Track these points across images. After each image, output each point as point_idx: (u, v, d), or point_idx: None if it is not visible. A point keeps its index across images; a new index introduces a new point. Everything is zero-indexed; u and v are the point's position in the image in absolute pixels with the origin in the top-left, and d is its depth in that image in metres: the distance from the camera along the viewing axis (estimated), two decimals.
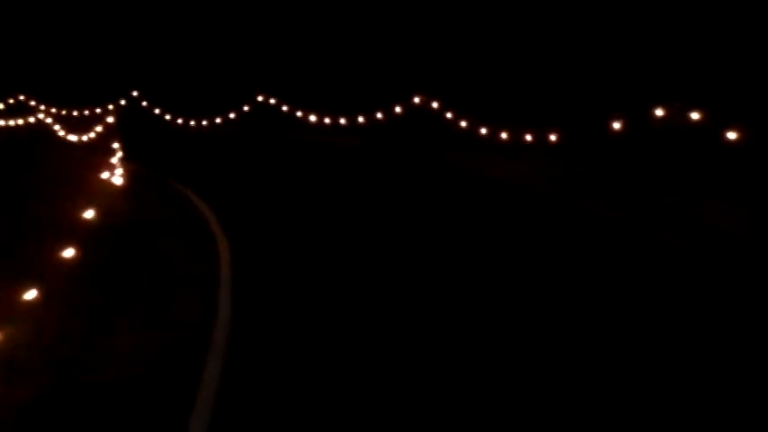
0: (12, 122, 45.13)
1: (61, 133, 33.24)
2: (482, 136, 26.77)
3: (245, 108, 39.04)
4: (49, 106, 46.75)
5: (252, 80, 39.77)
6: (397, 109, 31.15)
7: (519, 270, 13.21)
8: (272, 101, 38.07)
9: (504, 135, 25.92)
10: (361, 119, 32.63)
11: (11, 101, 49.39)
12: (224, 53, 43.03)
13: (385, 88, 32.49)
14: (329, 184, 22.96)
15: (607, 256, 14.01)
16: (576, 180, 21.07)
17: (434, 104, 29.80)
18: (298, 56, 39.28)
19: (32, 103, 47.77)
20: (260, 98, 38.69)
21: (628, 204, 18.04)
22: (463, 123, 27.91)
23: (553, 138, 24.15)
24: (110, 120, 32.03)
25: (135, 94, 44.39)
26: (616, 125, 21.95)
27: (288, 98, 37.24)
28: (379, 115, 31.87)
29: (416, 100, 30.54)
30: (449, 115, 28.86)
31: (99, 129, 30.18)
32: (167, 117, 41.76)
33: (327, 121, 34.36)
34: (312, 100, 35.92)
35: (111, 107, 40.68)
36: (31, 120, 41.42)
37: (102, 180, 20.49)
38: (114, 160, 23.70)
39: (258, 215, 18.73)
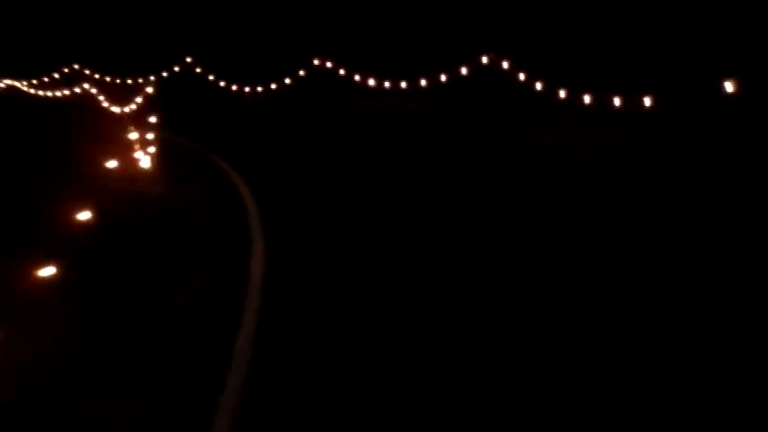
0: (59, 93, 43.06)
1: (105, 104, 30.56)
2: (560, 100, 23.30)
3: (301, 73, 35.88)
4: (102, 75, 44.83)
5: (307, 43, 36.67)
6: (463, 70, 27.73)
7: None
8: (329, 64, 34.87)
9: (586, 98, 22.46)
10: (423, 82, 29.24)
11: (66, 70, 47.53)
12: (278, 15, 39.84)
13: (449, 47, 29.10)
14: (387, 163, 19.64)
15: None
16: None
17: (505, 65, 26.39)
18: (355, 16, 35.85)
19: (87, 72, 45.89)
20: (316, 62, 35.34)
21: None
22: (538, 86, 24.50)
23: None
24: (149, 90, 28.96)
25: (188, 60, 41.85)
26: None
27: (345, 61, 34.03)
28: (442, 77, 28.49)
29: (484, 60, 27.02)
30: (522, 77, 25.44)
31: (139, 100, 27.16)
32: (221, 84, 39.16)
33: (387, 84, 31.04)
34: (370, 62, 32.61)
35: (152, 78, 38.46)
36: (78, 90, 39.03)
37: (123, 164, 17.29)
38: (150, 136, 20.59)
39: (312, 209, 15.30)
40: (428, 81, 28.98)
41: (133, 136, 19.31)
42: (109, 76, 43.51)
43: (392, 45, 32.75)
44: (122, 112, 27.31)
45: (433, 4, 31.94)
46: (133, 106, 27.19)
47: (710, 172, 15.62)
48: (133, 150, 17.99)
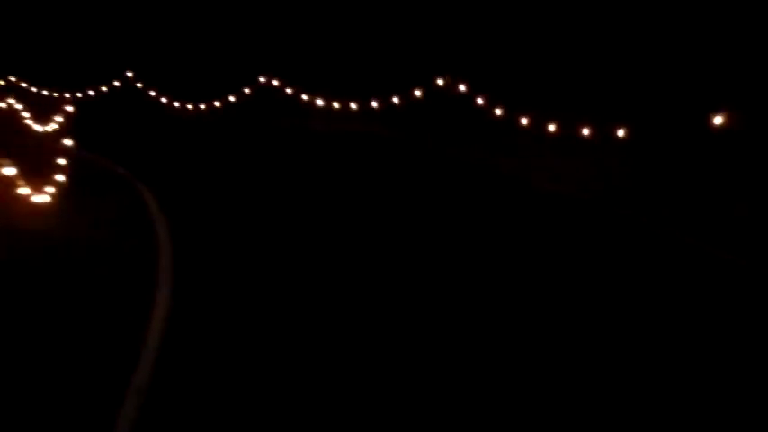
0: None
1: (29, 121, 27.71)
2: (522, 127, 20.81)
3: (246, 90, 33.18)
4: (38, 89, 42.24)
5: (254, 60, 33.99)
6: (417, 92, 25.20)
7: None
8: (275, 82, 32.22)
9: (551, 127, 19.99)
10: (374, 103, 26.66)
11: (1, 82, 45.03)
12: (225, 30, 37.23)
13: (403, 69, 26.68)
14: (338, 189, 17.37)
15: None
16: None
17: (462, 87, 23.85)
18: (305, 34, 33.25)
19: (23, 85, 43.26)
20: (262, 79, 32.65)
21: None
22: (498, 111, 22.02)
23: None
24: (68, 108, 26.04)
25: (129, 74, 39.07)
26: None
27: (293, 80, 31.46)
28: (395, 99, 25.94)
29: (440, 82, 24.54)
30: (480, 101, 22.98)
31: (59, 119, 24.30)
32: (163, 100, 36.38)
33: (336, 105, 28.46)
34: (320, 82, 30.07)
35: (74, 94, 35.75)
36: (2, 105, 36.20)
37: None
38: (61, 161, 17.78)
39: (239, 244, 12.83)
40: (380, 103, 26.41)
41: (9, 171, 15.95)
42: (44, 89, 40.40)
43: (343, 65, 30.39)
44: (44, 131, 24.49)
45: (385, 25, 29.46)
46: (54, 126, 24.36)
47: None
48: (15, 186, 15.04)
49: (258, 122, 30.35)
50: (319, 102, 29.52)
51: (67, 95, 36.25)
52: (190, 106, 34.85)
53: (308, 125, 28.50)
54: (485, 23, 25.21)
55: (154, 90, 37.17)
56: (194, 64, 36.58)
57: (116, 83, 38.70)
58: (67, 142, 19.78)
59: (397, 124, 25.09)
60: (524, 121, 20.85)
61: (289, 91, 31.28)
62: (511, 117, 21.23)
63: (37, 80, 42.00)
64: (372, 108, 26.70)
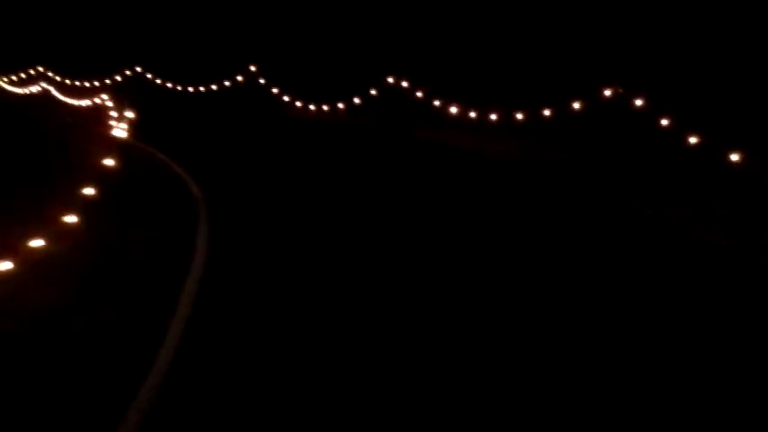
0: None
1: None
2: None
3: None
4: (63, 77, 44.86)
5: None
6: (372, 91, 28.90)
7: None
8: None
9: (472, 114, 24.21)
10: (341, 105, 30.28)
11: (31, 71, 47.43)
12: (222, 24, 38.36)
13: (361, 72, 29.64)
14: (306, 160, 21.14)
15: None
16: None
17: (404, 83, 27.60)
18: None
19: (50, 74, 45.89)
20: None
21: None
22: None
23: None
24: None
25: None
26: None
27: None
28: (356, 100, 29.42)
29: (390, 80, 28.29)
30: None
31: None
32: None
33: (312, 107, 31.64)
34: (299, 87, 32.56)
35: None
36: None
37: None
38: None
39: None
40: (345, 104, 29.90)
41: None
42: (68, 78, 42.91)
43: (315, 72, 32.44)
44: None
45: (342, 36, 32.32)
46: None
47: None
48: None
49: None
50: (298, 103, 31.86)
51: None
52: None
53: (290, 115, 31.17)
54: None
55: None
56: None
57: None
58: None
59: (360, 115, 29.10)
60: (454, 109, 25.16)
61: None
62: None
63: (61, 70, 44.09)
64: (339, 108, 30.22)
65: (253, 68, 35.93)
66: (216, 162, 20.34)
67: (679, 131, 17.35)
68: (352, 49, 31.53)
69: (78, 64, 43.62)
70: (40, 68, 45.92)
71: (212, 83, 37.77)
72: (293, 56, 34.77)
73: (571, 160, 18.75)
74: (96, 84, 41.50)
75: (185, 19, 40.88)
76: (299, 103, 32.52)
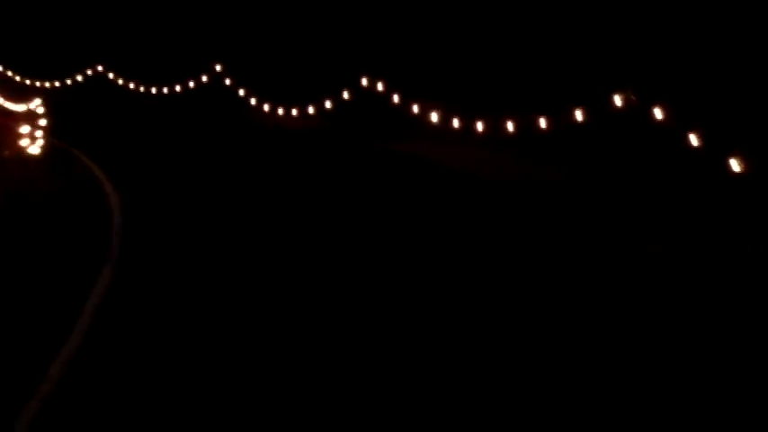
0: None
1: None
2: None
3: (204, 79, 32.11)
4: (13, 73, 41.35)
5: (209, 51, 31.83)
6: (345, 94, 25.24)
7: None
8: (228, 81, 32.13)
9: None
10: (311, 109, 26.27)
11: None
12: (185, 21, 34.71)
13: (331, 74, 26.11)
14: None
15: None
16: None
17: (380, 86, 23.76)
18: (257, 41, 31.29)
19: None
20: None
21: None
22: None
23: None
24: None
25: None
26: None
27: (246, 83, 29.71)
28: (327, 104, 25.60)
29: (364, 82, 24.44)
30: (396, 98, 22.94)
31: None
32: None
33: (281, 111, 27.81)
34: (266, 89, 28.94)
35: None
36: None
37: None
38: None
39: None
40: (315, 108, 25.95)
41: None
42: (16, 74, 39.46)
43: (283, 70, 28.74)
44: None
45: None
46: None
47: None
48: None
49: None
50: (266, 107, 28.02)
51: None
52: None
53: (256, 120, 27.93)
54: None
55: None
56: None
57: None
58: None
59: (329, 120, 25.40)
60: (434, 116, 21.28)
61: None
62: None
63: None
64: (309, 112, 26.23)
65: (218, 68, 32.02)
66: (155, 172, 18.20)
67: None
68: (325, 47, 27.89)
69: (33, 61, 40.22)
70: None
71: (176, 83, 34.10)
72: (261, 54, 30.84)
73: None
74: (48, 85, 38.05)
75: (150, 13, 37.31)
76: (266, 106, 28.44)
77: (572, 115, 16.53)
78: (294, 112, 26.90)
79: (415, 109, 21.42)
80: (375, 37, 25.28)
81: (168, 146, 23.60)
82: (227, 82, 31.35)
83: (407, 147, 19.87)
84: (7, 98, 25.58)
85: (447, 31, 22.69)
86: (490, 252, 11.23)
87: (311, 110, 26.06)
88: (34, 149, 18.70)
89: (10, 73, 41.50)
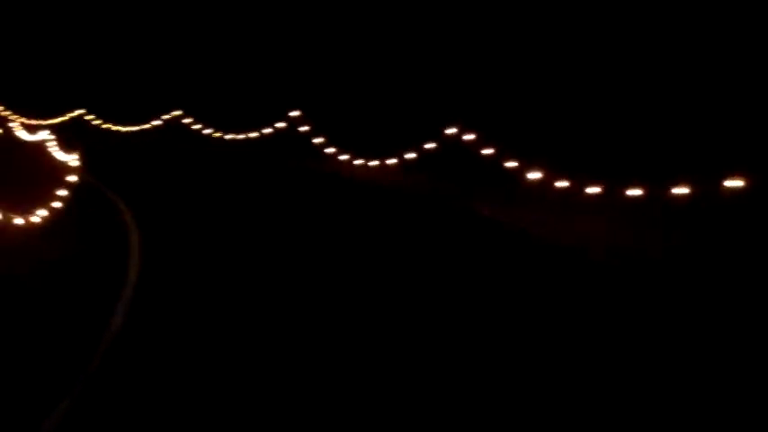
0: None
1: None
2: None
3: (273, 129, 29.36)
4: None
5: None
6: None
7: None
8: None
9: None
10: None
11: None
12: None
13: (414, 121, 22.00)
14: None
15: None
16: None
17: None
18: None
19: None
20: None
21: None
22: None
23: None
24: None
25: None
26: None
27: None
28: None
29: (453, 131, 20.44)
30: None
31: None
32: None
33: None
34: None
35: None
36: None
37: None
38: None
39: None
40: (397, 160, 21.76)
41: None
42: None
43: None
44: None
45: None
46: None
47: None
48: None
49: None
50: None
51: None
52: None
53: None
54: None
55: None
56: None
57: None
58: None
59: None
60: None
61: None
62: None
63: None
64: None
65: (296, 114, 28.43)
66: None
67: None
68: (416, 90, 23.62)
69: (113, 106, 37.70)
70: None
71: (252, 129, 30.58)
72: (342, 100, 27.22)
73: None
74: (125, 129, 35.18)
75: (228, 55, 34.13)
76: (343, 157, 24.44)
77: None
78: (373, 163, 22.87)
79: (512, 165, 17.16)
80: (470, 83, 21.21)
81: (239, 199, 19.73)
82: (304, 129, 27.62)
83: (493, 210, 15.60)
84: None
85: (562, 76, 18.30)
86: None
87: (392, 161, 22.00)
88: None
89: (91, 117, 39.22)
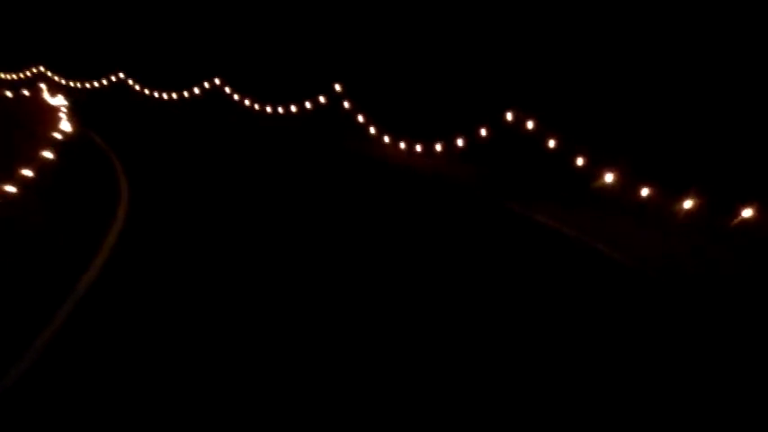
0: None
1: None
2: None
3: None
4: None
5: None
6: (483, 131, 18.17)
7: None
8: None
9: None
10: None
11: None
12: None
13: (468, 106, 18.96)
14: None
15: None
16: None
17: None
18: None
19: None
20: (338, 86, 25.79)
21: None
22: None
23: None
24: None
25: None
26: None
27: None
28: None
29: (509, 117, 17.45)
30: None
31: None
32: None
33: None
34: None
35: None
36: None
37: None
38: None
39: None
40: (444, 145, 18.90)
41: None
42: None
43: None
44: None
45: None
46: None
47: None
48: None
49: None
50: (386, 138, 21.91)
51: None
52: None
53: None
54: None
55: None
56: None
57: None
58: None
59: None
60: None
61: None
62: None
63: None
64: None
65: (338, 88, 25.61)
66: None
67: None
68: (470, 67, 20.20)
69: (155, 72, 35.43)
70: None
71: (292, 102, 27.77)
72: (388, 76, 24.33)
73: None
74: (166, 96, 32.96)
75: (265, 28, 31.38)
76: (387, 138, 21.58)
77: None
78: (418, 147, 19.89)
79: (580, 162, 14.06)
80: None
81: (274, 179, 16.97)
82: (346, 105, 24.72)
83: (558, 218, 12.57)
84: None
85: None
86: None
87: (438, 146, 19.00)
88: None
89: (131, 82, 37.07)
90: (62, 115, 21.14)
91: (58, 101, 24.82)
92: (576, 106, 15.36)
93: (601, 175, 13.27)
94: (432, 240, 11.30)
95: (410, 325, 7.88)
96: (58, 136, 17.35)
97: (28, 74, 42.07)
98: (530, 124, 15.90)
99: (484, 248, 10.94)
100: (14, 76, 42.02)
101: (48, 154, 14.54)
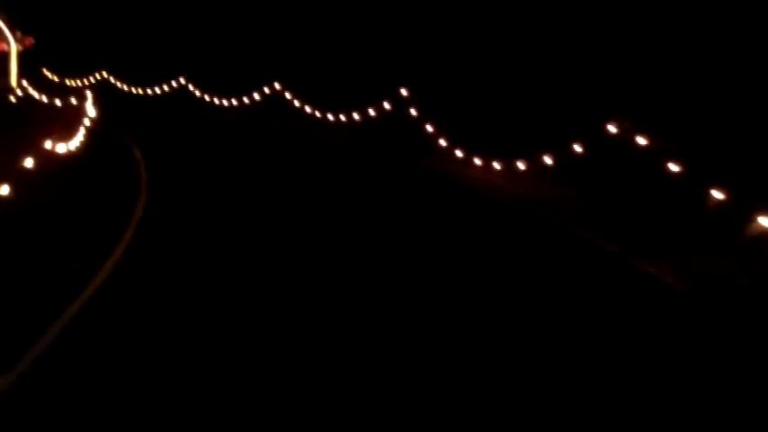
0: None
1: None
2: None
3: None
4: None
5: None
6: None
7: None
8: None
9: None
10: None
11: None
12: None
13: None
14: None
15: None
16: None
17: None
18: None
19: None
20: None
21: None
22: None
23: None
24: None
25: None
26: None
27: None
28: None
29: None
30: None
31: None
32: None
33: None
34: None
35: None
36: None
37: None
38: None
39: None
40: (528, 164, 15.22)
41: None
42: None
43: None
44: None
45: None
46: None
47: None
48: None
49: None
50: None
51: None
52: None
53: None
54: None
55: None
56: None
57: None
58: None
59: None
60: None
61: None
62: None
63: None
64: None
65: (404, 92, 21.95)
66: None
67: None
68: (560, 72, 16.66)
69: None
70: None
71: (354, 109, 24.27)
72: (457, 79, 20.72)
73: None
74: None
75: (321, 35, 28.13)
76: (459, 153, 17.78)
77: None
78: (497, 165, 16.07)
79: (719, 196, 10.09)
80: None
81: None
82: (413, 112, 21.03)
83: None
84: None
85: None
86: None
87: (522, 165, 15.17)
88: None
89: (192, 88, 34.35)
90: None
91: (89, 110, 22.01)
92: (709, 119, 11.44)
93: (752, 217, 9.26)
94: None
95: None
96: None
97: (92, 80, 40.01)
98: (640, 140, 11.96)
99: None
100: (78, 83, 40.00)
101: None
